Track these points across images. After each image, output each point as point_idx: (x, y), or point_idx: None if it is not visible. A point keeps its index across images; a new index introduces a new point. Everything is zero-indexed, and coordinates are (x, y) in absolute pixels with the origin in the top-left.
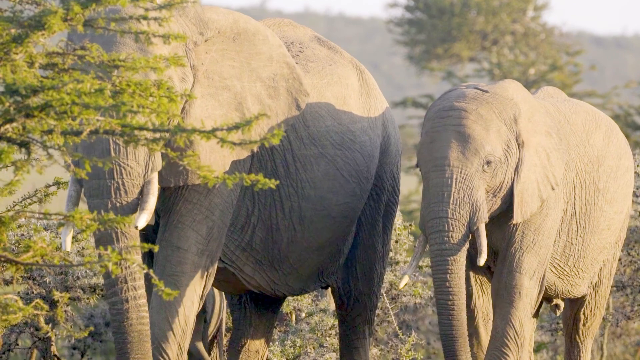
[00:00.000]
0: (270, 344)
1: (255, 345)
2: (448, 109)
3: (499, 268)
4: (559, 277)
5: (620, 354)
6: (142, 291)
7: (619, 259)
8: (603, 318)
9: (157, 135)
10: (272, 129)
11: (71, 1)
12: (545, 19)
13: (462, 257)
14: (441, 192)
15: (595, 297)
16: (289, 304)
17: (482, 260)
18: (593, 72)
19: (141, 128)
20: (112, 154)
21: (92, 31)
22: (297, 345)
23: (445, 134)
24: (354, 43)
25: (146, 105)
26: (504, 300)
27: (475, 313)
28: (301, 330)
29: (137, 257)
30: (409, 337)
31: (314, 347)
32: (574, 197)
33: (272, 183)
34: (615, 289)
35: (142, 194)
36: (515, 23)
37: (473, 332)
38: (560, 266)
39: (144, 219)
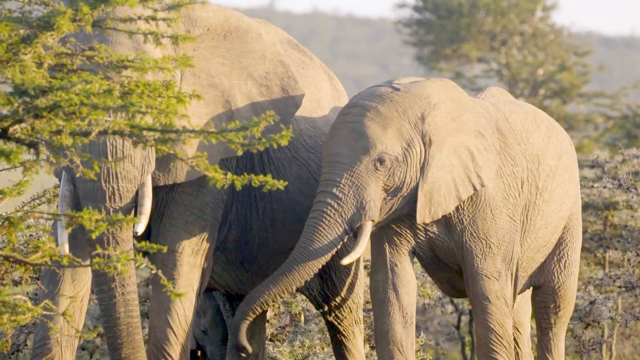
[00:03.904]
0: (279, 344)
1: (254, 349)
2: (351, 106)
3: (465, 276)
4: None
5: (630, 355)
6: (131, 289)
7: (628, 260)
8: (611, 318)
9: (166, 136)
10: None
11: (80, 2)
12: (554, 19)
13: (328, 250)
14: (326, 186)
15: (558, 299)
16: (297, 305)
17: (346, 260)
18: (601, 72)
19: (150, 129)
20: (109, 157)
21: (100, 32)
22: (306, 345)
23: (341, 131)
24: (362, 44)
25: (155, 106)
26: (478, 308)
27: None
28: (310, 331)
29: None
30: (418, 337)
31: (322, 348)
32: (521, 193)
33: (281, 184)
34: (624, 289)
35: (138, 197)
36: (523, 23)
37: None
38: None
39: (143, 223)
